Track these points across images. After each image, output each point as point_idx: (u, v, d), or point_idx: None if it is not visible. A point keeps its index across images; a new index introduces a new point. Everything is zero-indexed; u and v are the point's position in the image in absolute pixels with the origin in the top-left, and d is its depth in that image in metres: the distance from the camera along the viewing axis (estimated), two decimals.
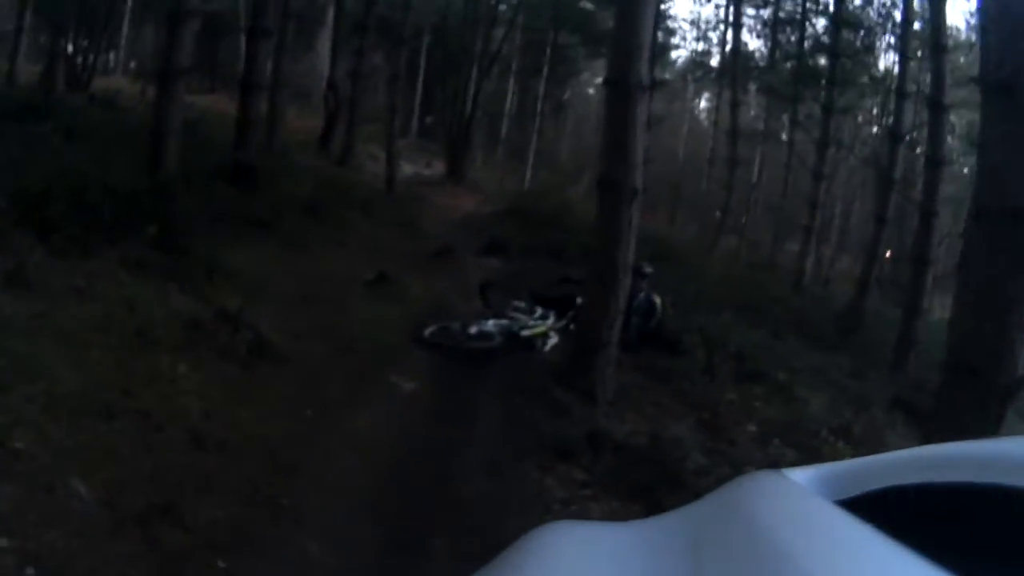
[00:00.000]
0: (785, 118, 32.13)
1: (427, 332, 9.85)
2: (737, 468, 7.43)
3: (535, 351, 10.11)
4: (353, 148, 25.61)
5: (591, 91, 50.85)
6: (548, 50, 35.63)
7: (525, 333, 10.19)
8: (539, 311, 10.65)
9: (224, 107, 16.75)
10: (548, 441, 7.35)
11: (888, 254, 27.23)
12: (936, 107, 16.71)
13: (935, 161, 17.00)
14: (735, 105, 28.70)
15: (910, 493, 1.98)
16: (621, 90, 8.79)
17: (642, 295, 10.64)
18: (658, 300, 11.18)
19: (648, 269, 11.15)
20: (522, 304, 10.75)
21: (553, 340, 10.34)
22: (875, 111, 35.06)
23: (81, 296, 7.35)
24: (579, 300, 10.32)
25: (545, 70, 36.17)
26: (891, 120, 22.82)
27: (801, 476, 2.40)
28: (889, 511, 1.94)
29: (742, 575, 1.89)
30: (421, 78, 36.38)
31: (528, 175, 32.84)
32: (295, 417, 6.75)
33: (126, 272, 8.35)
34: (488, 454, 7.12)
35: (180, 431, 5.81)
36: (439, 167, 31.59)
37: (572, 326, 10.44)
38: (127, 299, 7.62)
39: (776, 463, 7.87)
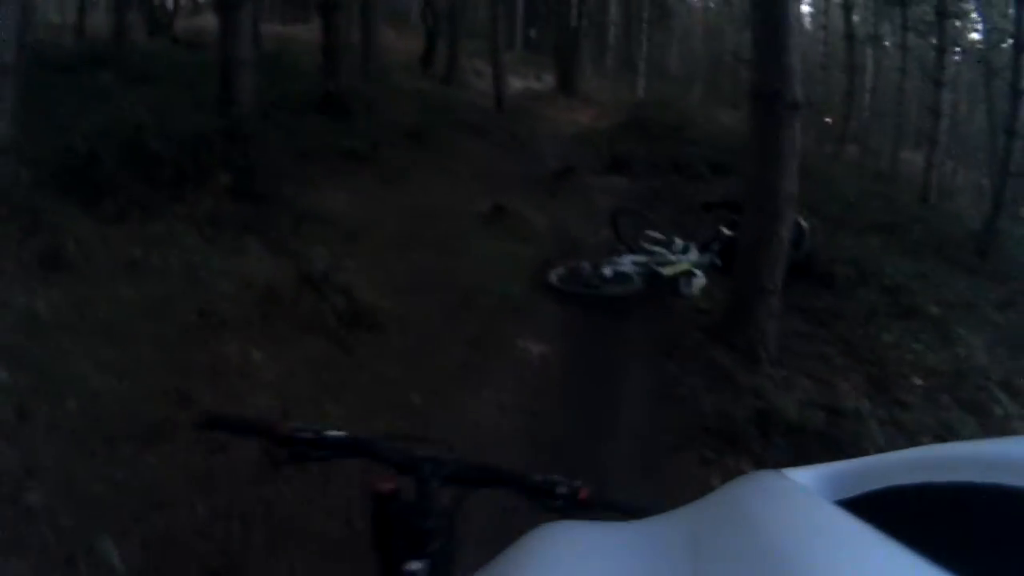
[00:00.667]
0: (892, 22, 29.40)
1: (554, 276, 8.56)
2: (914, 441, 6.26)
3: (679, 294, 8.70)
4: (457, 65, 24.17)
5: None
6: None
7: (667, 272, 8.73)
8: (679, 243, 9.18)
9: (316, 37, 15.53)
10: (710, 421, 6.00)
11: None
12: None
13: None
14: (848, 8, 26.87)
15: (910, 493, 1.89)
16: None
17: None
18: (805, 223, 9.49)
19: None
20: (659, 235, 9.30)
21: (700, 280, 8.89)
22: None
23: (134, 272, 6.20)
24: (724, 230, 8.93)
25: None
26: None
27: (801, 476, 2.26)
28: (889, 511, 1.81)
29: (742, 575, 1.65)
30: None
31: (641, 85, 30.60)
32: (398, 407, 5.43)
33: (195, 232, 7.21)
34: (641, 444, 5.74)
35: (250, 449, 4.48)
36: (548, 80, 29.67)
37: (719, 261, 8.98)
38: (191, 268, 6.43)
39: (953, 431, 6.83)
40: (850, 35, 26.66)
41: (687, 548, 1.94)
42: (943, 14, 21.78)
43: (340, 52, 13.43)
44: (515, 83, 25.79)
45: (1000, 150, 18.34)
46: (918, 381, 7.76)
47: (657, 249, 9.06)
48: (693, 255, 9.04)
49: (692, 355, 7.19)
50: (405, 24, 31.43)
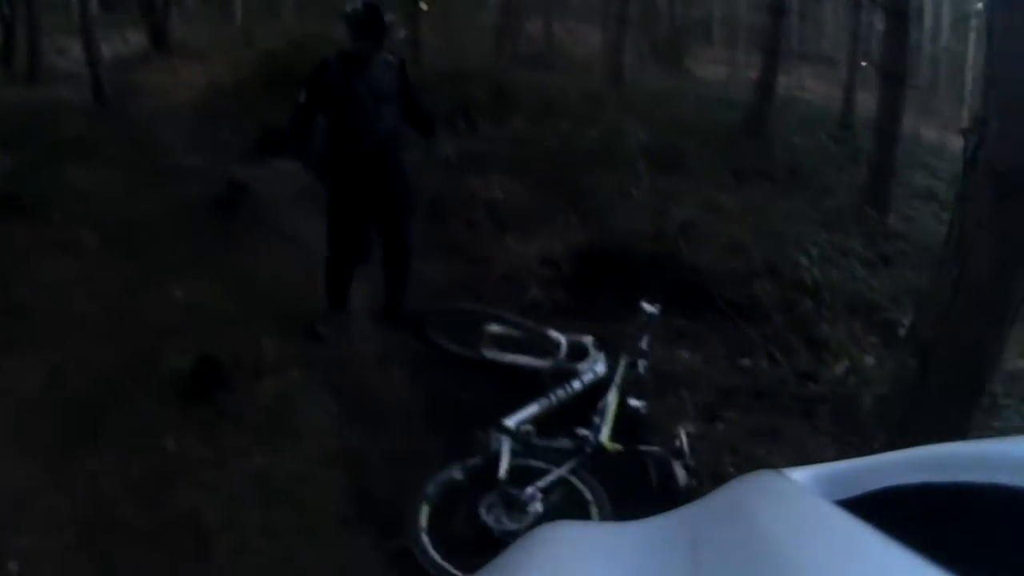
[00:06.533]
0: None
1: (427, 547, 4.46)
2: None
3: (670, 490, 4.99)
4: (40, 54, 19.07)
5: None
6: None
7: (607, 439, 5.09)
8: (560, 340, 5.85)
9: None
10: None
11: None
12: None
13: None
14: None
15: (910, 493, 2.02)
16: None
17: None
18: None
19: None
20: (515, 330, 6.19)
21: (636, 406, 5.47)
22: None
23: None
24: (647, 305, 5.62)
25: None
26: None
27: (801, 476, 2.39)
28: (889, 511, 1.94)
29: (742, 575, 1.83)
30: None
31: (239, 17, 25.96)
32: None
33: None
34: None
35: None
36: (136, 40, 24.13)
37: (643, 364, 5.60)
38: None
39: None
40: None
41: (687, 548, 2.07)
42: None
43: None
44: (104, 51, 20.72)
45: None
46: None
47: (525, 361, 5.86)
48: (601, 366, 5.60)
49: None
50: None
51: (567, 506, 4.72)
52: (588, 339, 5.88)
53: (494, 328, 6.22)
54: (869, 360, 6.76)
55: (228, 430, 5.45)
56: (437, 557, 4.33)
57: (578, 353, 5.80)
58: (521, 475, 4.77)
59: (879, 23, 15.64)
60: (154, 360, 6.02)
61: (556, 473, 4.81)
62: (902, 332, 6.89)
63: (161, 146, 12.58)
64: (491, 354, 6.12)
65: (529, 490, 4.66)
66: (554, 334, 5.88)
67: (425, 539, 4.45)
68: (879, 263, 8.87)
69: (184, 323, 6.54)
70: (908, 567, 1.50)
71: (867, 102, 15.27)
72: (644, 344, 5.59)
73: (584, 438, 5.02)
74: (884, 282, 8.27)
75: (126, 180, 10.32)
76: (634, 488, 5.05)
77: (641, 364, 5.57)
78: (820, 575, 1.62)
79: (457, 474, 4.81)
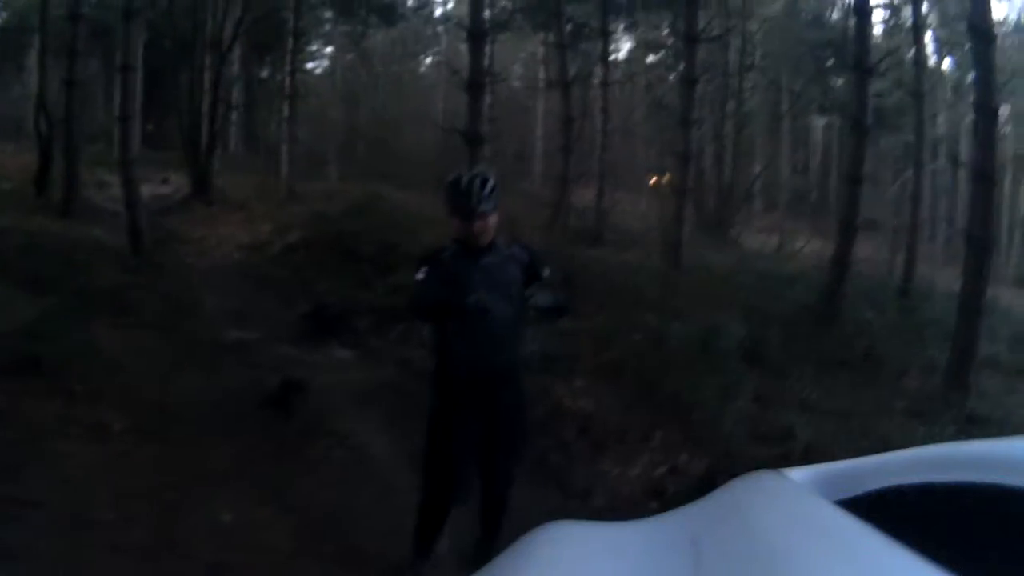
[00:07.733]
0: None
1: None
2: None
3: None
4: (77, 186, 18.42)
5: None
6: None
7: None
8: None
9: None
10: None
11: None
12: None
13: None
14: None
15: (910, 493, 2.03)
16: None
17: None
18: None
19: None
20: None
21: None
22: None
23: None
24: None
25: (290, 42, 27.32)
26: None
27: (801, 476, 2.38)
28: (889, 511, 1.97)
29: (742, 575, 1.84)
30: (140, 76, 25.90)
31: (284, 172, 25.01)
32: None
33: None
34: None
35: None
36: (177, 182, 24.00)
37: None
38: None
39: None
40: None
41: (687, 548, 2.08)
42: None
43: None
44: (142, 191, 20.01)
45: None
46: None
47: None
48: None
49: None
50: (24, 135, 24.95)
51: None
52: None
53: None
54: None
55: None
56: None
57: None
58: None
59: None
60: None
61: None
62: None
63: (201, 312, 11.39)
64: None
65: None
66: None
67: None
68: None
69: (236, 558, 5.20)
70: (908, 567, 1.52)
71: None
72: None
73: None
74: None
75: (161, 352, 9.10)
76: None
77: None
78: (820, 575, 1.65)
79: None
